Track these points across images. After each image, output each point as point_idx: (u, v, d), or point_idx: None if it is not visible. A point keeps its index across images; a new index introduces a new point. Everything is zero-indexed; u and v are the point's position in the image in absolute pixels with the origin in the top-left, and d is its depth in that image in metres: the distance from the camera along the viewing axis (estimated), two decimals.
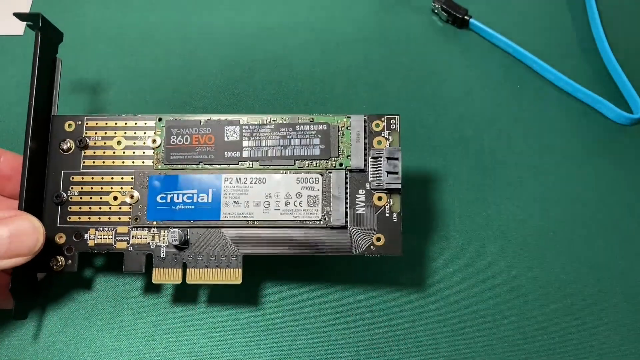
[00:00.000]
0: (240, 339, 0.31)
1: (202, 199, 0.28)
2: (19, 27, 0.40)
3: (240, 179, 0.28)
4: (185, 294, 0.32)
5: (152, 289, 0.32)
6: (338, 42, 0.40)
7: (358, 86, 0.38)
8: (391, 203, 0.27)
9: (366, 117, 0.28)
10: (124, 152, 0.29)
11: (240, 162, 0.28)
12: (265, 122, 0.28)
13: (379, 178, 0.27)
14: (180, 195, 0.28)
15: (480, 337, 0.31)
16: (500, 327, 0.32)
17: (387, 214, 0.27)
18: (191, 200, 0.28)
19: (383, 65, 0.39)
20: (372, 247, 0.27)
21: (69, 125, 0.29)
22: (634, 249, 0.34)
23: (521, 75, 0.39)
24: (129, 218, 0.28)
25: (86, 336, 0.31)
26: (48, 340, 0.30)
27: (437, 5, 0.41)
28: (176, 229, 0.27)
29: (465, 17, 0.40)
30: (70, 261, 0.28)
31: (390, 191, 0.27)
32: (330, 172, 0.28)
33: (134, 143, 0.29)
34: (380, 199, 0.27)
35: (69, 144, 0.29)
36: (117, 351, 0.30)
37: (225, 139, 0.28)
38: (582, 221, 0.35)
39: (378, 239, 0.27)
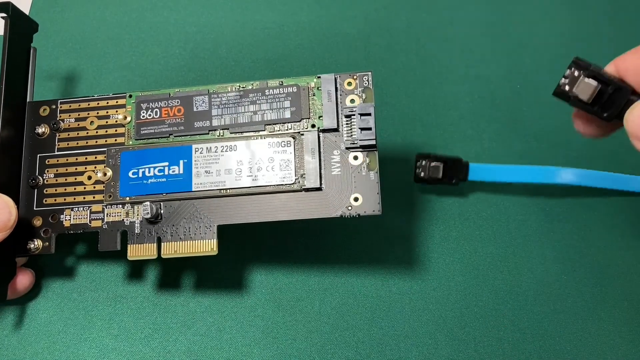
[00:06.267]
0: (240, 339, 0.30)
1: (173, 171, 0.27)
2: None
3: (210, 148, 0.27)
4: (185, 294, 0.31)
5: (152, 288, 0.31)
6: (338, 42, 0.39)
7: None
8: (367, 161, 0.26)
9: (337, 76, 0.27)
10: (96, 132, 0.28)
11: (210, 132, 0.27)
12: (234, 90, 0.28)
13: (352, 136, 0.26)
14: (152, 169, 0.27)
15: (480, 337, 0.30)
16: (500, 327, 0.31)
17: (363, 173, 0.26)
18: (162, 173, 0.27)
19: (383, 65, 0.38)
20: (349, 207, 0.26)
21: (44, 110, 0.29)
22: (634, 249, 0.33)
23: (521, 75, 0.38)
24: (103, 196, 0.27)
25: (86, 336, 0.30)
26: (48, 341, 0.30)
27: None
28: (147, 202, 0.26)
29: None
30: (47, 243, 0.27)
31: (365, 149, 0.26)
32: (302, 135, 0.27)
33: (107, 122, 0.28)
34: (356, 158, 0.26)
35: (43, 128, 0.29)
36: (117, 351, 0.30)
37: (195, 109, 0.28)
38: (583, 221, 0.34)
39: (356, 199, 0.26)
